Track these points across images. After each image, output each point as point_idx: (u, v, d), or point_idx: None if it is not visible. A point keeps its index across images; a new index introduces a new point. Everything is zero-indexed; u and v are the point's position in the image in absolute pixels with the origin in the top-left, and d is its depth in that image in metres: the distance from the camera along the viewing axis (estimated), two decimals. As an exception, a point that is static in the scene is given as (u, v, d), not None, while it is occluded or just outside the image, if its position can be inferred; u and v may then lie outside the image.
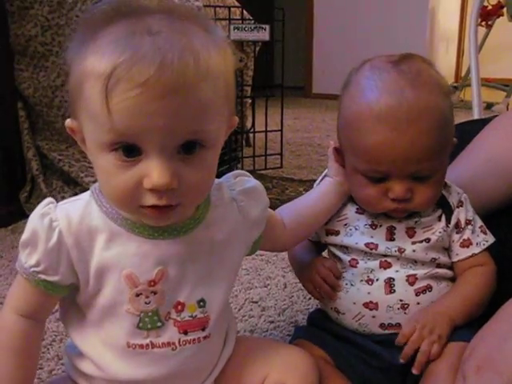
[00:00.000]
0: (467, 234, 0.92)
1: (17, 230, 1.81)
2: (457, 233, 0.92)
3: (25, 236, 0.71)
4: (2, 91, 1.89)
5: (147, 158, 0.63)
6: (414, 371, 0.85)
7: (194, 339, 0.75)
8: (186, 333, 0.74)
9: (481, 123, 1.15)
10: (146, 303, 0.72)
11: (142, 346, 0.73)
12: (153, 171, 0.63)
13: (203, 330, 0.76)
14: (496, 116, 1.18)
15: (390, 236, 0.91)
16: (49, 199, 0.73)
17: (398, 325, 0.89)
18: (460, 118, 0.93)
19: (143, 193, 0.64)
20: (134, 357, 0.73)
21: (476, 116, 2.20)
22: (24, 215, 1.88)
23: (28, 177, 1.96)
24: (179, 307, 0.73)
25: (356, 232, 0.93)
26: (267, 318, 1.25)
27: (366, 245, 0.91)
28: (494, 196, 1.03)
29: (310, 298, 1.33)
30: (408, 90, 0.83)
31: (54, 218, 0.70)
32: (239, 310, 1.28)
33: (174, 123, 0.62)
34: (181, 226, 0.73)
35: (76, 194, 0.75)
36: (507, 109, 4.29)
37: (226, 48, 0.69)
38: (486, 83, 4.23)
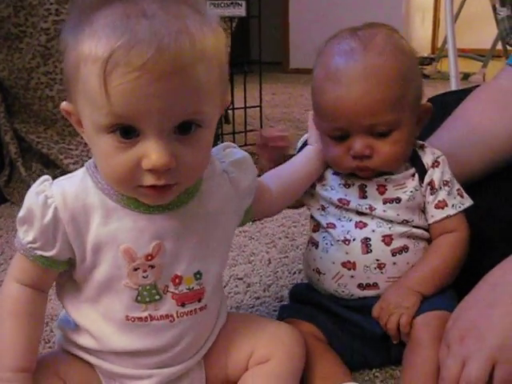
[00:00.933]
0: (442, 196, 0.93)
1: (-4, 214, 1.79)
2: (431, 194, 0.94)
3: (21, 213, 0.73)
4: (-24, 74, 1.86)
5: (145, 139, 0.65)
6: (394, 341, 0.89)
7: (191, 311, 0.77)
8: (183, 305, 0.77)
9: (461, 94, 1.16)
10: (143, 277, 0.74)
11: (140, 319, 0.75)
12: (151, 152, 0.64)
13: (199, 301, 0.78)
14: (476, 86, 1.19)
15: (362, 194, 0.94)
16: (45, 177, 0.75)
17: (376, 284, 0.92)
18: (437, 89, 0.96)
19: (142, 173, 0.66)
20: (133, 329, 0.76)
21: (453, 87, 2.21)
22: (3, 199, 1.86)
23: (6, 161, 1.93)
24: (177, 280, 0.76)
25: (332, 191, 0.96)
26: (253, 294, 1.26)
27: (339, 200, 0.94)
28: (475, 165, 1.04)
29: (294, 273, 1.34)
30: (358, 50, 0.89)
31: (49, 194, 0.72)
32: (225, 286, 1.28)
33: (171, 105, 0.64)
34: (175, 201, 0.74)
35: (56, 177, 0.77)
36: (484, 79, 4.31)
37: (218, 28, 0.70)
38: (463, 54, 4.24)
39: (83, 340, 0.78)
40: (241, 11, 2.25)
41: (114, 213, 0.73)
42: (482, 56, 4.67)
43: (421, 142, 0.97)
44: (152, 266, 0.74)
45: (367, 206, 0.93)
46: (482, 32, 5.51)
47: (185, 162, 0.67)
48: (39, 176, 1.87)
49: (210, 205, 0.78)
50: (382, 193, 0.93)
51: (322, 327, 0.94)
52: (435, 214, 0.93)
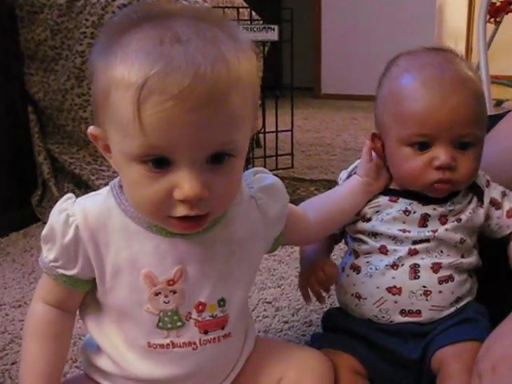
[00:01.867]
0: (508, 205, 0.95)
1: (28, 233, 1.81)
2: (497, 209, 0.94)
3: (44, 231, 0.72)
4: (13, 95, 1.90)
5: (177, 169, 0.63)
6: None
7: (214, 338, 0.75)
8: (206, 332, 0.74)
9: (494, 119, 1.15)
10: (165, 302, 0.72)
11: (162, 346, 0.73)
12: (184, 182, 0.62)
13: (223, 328, 0.75)
14: (508, 111, 1.18)
15: (423, 222, 0.93)
16: (68, 195, 0.74)
17: (418, 312, 0.91)
18: (471, 115, 0.95)
19: (173, 203, 0.64)
20: (155, 356, 0.73)
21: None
22: (36, 219, 1.90)
23: (39, 180, 1.97)
24: (200, 307, 0.73)
25: (387, 217, 0.94)
26: (281, 318, 1.25)
27: (400, 230, 0.92)
28: (508, 185, 1.03)
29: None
30: (447, 64, 0.91)
31: (70, 213, 0.71)
32: (253, 310, 1.28)
33: (205, 134, 0.62)
34: None
35: None
36: (517, 105, 4.27)
37: (251, 54, 0.68)
38: (496, 80, 4.21)
39: (104, 363, 0.77)
40: (273, 35, 2.27)
41: (136, 235, 0.71)
42: (515, 82, 4.64)
43: None
44: (174, 292, 0.71)
45: (428, 230, 0.92)
46: (516, 59, 5.48)
47: (217, 192, 0.65)
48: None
49: (236, 231, 0.76)
50: (443, 223, 0.92)
51: (359, 356, 0.92)
52: (510, 224, 0.94)
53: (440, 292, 0.91)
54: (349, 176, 1.01)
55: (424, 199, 0.93)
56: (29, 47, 1.88)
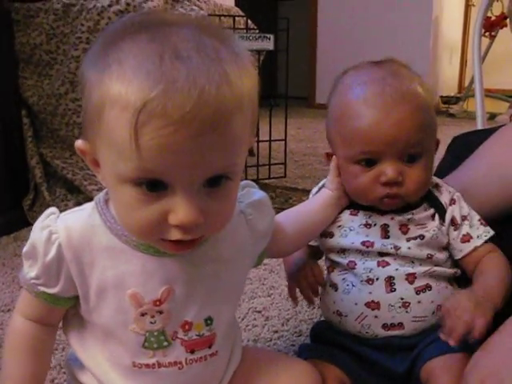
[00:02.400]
0: (465, 229, 0.93)
1: (19, 237, 1.80)
2: (454, 230, 0.93)
3: (26, 248, 0.70)
4: (7, 99, 1.90)
5: (173, 194, 0.60)
6: (451, 342, 0.79)
7: (200, 357, 0.73)
8: (192, 351, 0.72)
9: (486, 133, 1.15)
10: (151, 323, 0.69)
11: (148, 366, 0.71)
12: (179, 208, 0.60)
13: (210, 347, 0.74)
14: (500, 126, 1.18)
15: (385, 234, 0.93)
16: (51, 209, 0.71)
17: (400, 324, 0.90)
18: (463, 128, 0.95)
19: (167, 227, 0.61)
20: (140, 376, 0.72)
21: (479, 126, 2.19)
22: (27, 223, 1.88)
23: (31, 184, 1.96)
24: (186, 326, 0.71)
25: (351, 232, 0.95)
26: (271, 328, 1.24)
27: (362, 243, 0.93)
28: (496, 203, 1.03)
29: (313, 308, 1.32)
30: (389, 78, 0.90)
31: (53, 230, 0.68)
32: (243, 319, 1.27)
33: (206, 159, 0.58)
34: None
35: (79, 202, 0.74)
36: (510, 119, 4.28)
37: (252, 69, 0.65)
38: (490, 94, 4.23)
39: (88, 380, 0.75)
40: (269, 45, 2.27)
41: (122, 254, 0.68)
42: (509, 96, 4.67)
43: (435, 181, 0.97)
44: (160, 312, 0.69)
45: (392, 246, 0.91)
46: (510, 72, 5.51)
47: (212, 216, 0.62)
48: (63, 201, 1.88)
49: (224, 248, 0.74)
50: (404, 232, 0.92)
51: (346, 369, 0.92)
52: (463, 248, 0.93)
53: (419, 302, 0.90)
54: (319, 190, 1.01)
55: (383, 210, 0.93)
56: (24, 51, 1.88)
